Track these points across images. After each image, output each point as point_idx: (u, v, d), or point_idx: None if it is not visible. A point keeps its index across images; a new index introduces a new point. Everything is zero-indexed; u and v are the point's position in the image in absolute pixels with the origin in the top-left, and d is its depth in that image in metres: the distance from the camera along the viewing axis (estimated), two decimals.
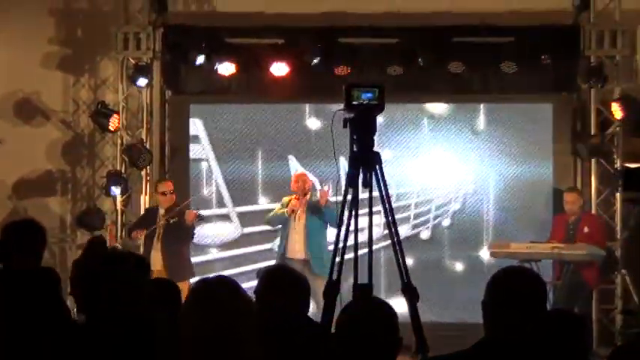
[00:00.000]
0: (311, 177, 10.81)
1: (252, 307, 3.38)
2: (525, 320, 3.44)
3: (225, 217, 12.00)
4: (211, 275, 3.79)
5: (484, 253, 11.39)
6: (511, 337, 3.44)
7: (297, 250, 10.17)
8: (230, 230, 12.07)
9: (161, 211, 10.73)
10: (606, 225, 11.15)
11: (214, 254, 12.12)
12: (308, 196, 10.33)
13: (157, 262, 10.33)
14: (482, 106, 12.14)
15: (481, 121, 12.12)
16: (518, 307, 3.44)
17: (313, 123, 11.96)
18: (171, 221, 10.57)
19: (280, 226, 10.54)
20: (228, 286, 3.44)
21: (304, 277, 4.48)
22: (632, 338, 4.00)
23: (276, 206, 10.72)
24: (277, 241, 10.81)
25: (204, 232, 11.78)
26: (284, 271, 4.59)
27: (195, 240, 11.21)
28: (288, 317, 4.27)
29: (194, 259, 11.18)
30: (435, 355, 4.20)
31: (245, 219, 12.06)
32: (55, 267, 11.30)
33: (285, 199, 10.53)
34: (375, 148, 6.25)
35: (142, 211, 11.54)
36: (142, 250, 11.12)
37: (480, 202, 12.05)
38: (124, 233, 11.62)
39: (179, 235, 10.68)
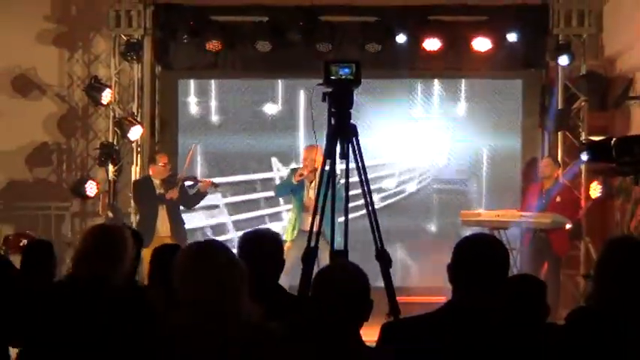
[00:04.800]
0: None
1: (243, 266, 3.57)
2: (487, 283, 3.48)
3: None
4: (202, 240, 3.85)
5: (457, 220, 11.41)
6: (474, 299, 3.48)
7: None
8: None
9: (156, 182, 10.51)
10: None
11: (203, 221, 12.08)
12: (319, 170, 9.69)
13: (164, 229, 10.29)
14: (456, 81, 12.15)
15: (455, 96, 12.14)
16: (479, 271, 3.49)
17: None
18: (193, 188, 10.54)
19: (287, 193, 10.29)
20: (221, 247, 3.56)
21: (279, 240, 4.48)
22: (589, 301, 4.05)
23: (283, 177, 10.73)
24: (291, 215, 10.24)
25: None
26: (260, 237, 4.54)
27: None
28: (264, 281, 4.28)
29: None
30: (405, 317, 4.23)
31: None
32: (51, 234, 11.47)
33: (293, 168, 10.44)
34: (354, 121, 6.25)
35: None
36: (137, 218, 11.14)
37: (454, 172, 12.10)
38: (115, 202, 11.65)
39: (186, 202, 10.64)
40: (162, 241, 9.38)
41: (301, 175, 9.80)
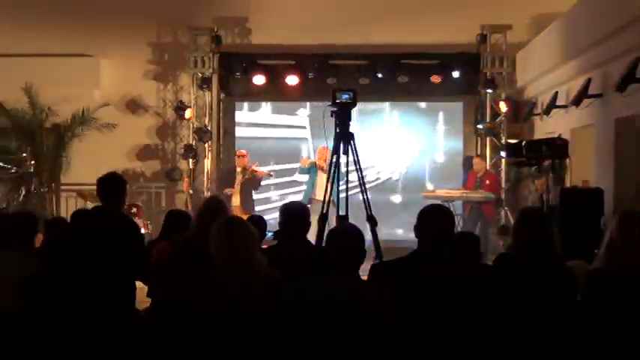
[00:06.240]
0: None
1: (255, 232, 3.63)
2: (440, 237, 3.45)
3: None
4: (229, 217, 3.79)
5: (420, 196, 11.34)
6: (432, 248, 3.45)
7: (321, 194, 9.82)
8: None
9: (238, 169, 10.37)
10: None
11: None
12: (328, 160, 9.91)
13: (236, 201, 10.18)
14: (419, 104, 12.07)
15: (418, 113, 12.06)
16: (435, 229, 3.45)
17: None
18: (255, 175, 10.38)
19: (307, 173, 10.24)
20: (240, 220, 3.71)
21: (307, 210, 4.43)
22: (509, 249, 4.10)
23: (299, 165, 10.60)
24: (305, 188, 10.31)
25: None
26: (295, 208, 4.47)
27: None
28: (296, 237, 4.24)
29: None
30: (386, 260, 4.19)
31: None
32: (152, 206, 11.45)
33: (304, 159, 10.46)
34: (351, 130, 6.19)
35: (207, 170, 11.60)
36: (208, 194, 11.09)
37: (419, 164, 12.03)
38: (194, 184, 11.59)
39: (252, 184, 10.47)
40: (236, 209, 9.77)
41: (322, 168, 9.78)
